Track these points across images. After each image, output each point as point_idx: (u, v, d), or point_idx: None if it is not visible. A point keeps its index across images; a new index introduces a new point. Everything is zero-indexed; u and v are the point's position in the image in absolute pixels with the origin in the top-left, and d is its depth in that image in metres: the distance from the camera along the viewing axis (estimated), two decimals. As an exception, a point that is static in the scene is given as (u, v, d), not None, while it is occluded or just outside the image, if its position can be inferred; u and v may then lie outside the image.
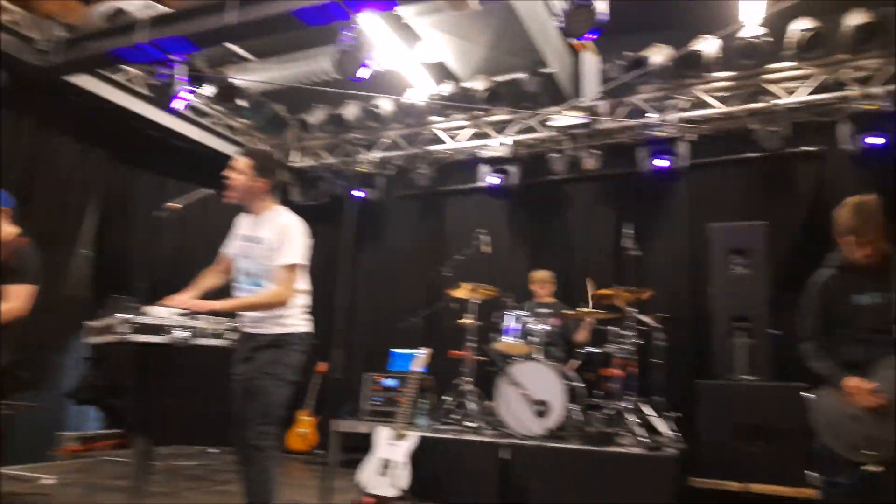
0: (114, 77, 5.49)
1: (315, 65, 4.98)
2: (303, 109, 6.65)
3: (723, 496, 4.46)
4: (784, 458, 4.18)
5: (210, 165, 6.90)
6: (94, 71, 5.24)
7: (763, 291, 4.76)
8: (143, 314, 2.46)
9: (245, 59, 5.79)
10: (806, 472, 3.72)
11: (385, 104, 6.18)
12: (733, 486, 4.45)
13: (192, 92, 4.99)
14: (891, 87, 4.95)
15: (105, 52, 4.66)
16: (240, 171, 2.88)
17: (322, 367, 6.81)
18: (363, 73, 4.09)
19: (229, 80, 5.67)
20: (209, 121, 6.61)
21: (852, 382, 2.56)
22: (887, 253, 2.66)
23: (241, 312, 2.84)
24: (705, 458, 4.58)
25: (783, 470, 4.16)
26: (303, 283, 2.90)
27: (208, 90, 5.90)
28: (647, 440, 4.10)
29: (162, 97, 4.98)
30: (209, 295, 2.84)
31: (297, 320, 2.83)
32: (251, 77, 5.75)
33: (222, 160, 7.08)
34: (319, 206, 7.19)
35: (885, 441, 2.47)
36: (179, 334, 2.36)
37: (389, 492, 3.96)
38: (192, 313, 2.50)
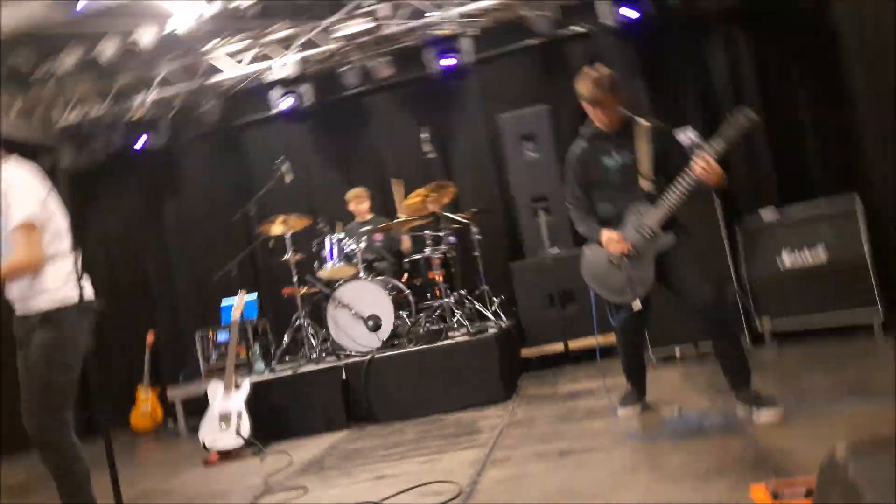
0: None
1: (26, 8, 4.18)
2: (46, 57, 5.68)
3: (549, 358, 4.98)
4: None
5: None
6: None
7: (554, 170, 5.12)
8: None
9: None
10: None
11: (145, 36, 5.45)
12: (557, 347, 4.96)
13: None
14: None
15: None
16: None
17: (150, 336, 6.37)
18: (81, 6, 3.51)
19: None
20: (-74, 88, 5.46)
21: (604, 235, 2.86)
22: (626, 118, 2.92)
23: (9, 294, 2.39)
24: (530, 330, 5.04)
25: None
26: (56, 244, 2.40)
27: None
28: (472, 328, 4.37)
29: None
30: None
31: (65, 291, 2.34)
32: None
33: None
34: (99, 165, 6.39)
35: (640, 281, 2.83)
36: None
37: (232, 443, 3.89)
38: None
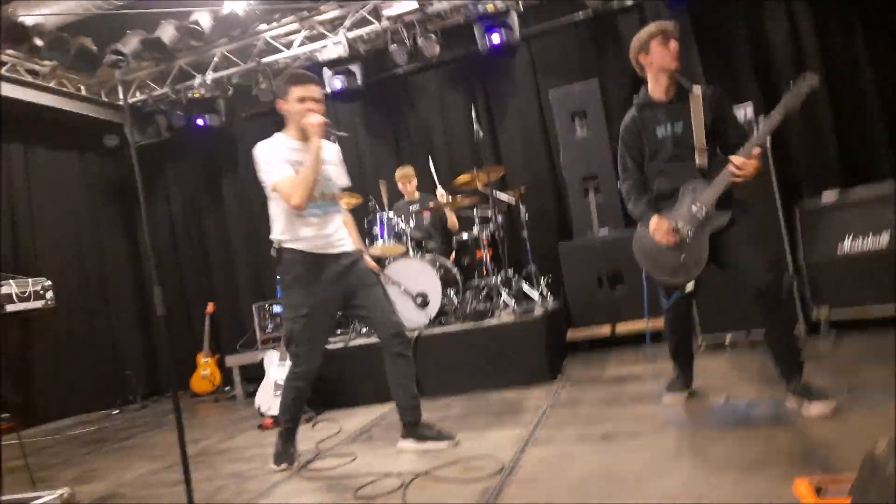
0: None
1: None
2: (113, 39, 5.93)
3: (596, 341, 4.95)
4: (642, 295, 4.60)
5: (23, 118, 6.18)
6: None
7: (605, 148, 5.03)
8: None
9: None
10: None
11: (203, 19, 5.62)
12: (604, 330, 4.93)
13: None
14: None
15: None
16: (321, 101, 2.89)
17: (210, 307, 6.69)
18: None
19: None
20: (5, 69, 5.82)
21: (653, 224, 2.77)
22: (681, 85, 2.79)
23: (320, 234, 2.97)
24: (577, 311, 5.02)
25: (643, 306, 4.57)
26: None
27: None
28: (518, 308, 4.40)
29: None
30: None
31: None
32: (34, 12, 5.00)
33: (36, 110, 6.36)
34: (162, 142, 6.67)
35: (695, 261, 2.75)
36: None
37: (286, 411, 4.07)
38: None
